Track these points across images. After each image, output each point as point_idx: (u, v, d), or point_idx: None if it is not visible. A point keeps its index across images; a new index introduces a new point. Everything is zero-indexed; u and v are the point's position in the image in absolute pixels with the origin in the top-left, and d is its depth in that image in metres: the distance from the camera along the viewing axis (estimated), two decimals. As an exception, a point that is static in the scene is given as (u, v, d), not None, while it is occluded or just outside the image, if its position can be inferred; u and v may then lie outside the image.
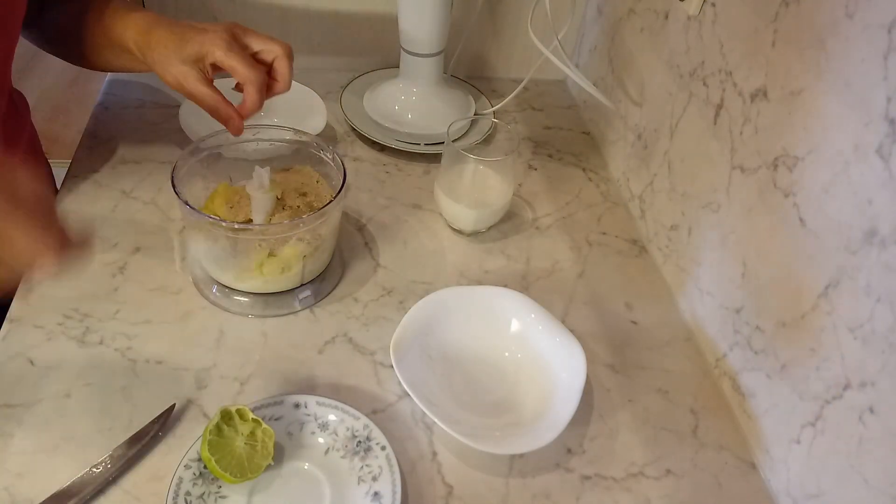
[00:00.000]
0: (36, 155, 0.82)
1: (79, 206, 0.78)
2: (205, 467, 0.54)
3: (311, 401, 0.60)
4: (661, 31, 0.81)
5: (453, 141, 0.78)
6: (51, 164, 0.86)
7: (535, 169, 0.94)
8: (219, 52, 0.64)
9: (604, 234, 0.85)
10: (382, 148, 0.93)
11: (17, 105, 0.77)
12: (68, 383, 0.62)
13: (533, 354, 0.67)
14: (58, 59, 0.77)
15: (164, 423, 0.59)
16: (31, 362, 0.63)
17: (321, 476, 0.57)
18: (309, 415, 0.60)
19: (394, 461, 0.57)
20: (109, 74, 0.99)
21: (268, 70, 0.68)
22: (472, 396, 0.65)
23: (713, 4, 0.70)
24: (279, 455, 0.58)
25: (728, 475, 0.62)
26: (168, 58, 0.66)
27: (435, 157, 0.91)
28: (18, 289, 0.68)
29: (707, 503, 0.60)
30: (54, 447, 0.57)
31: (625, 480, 0.61)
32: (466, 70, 1.08)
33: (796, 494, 0.58)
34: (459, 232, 0.82)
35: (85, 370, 0.63)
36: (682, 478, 0.62)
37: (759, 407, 0.63)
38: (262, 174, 0.68)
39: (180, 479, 0.54)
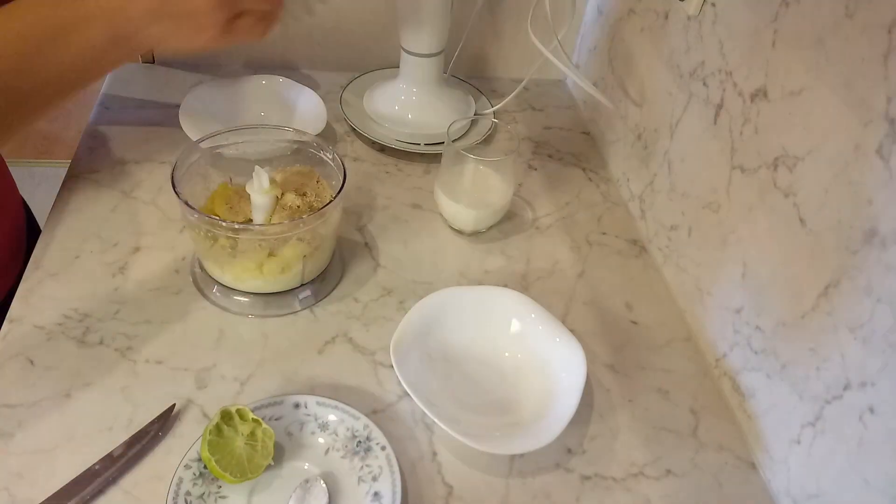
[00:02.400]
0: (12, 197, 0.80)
1: (79, 205, 0.78)
2: (205, 467, 0.54)
3: (311, 401, 0.60)
4: (661, 31, 0.81)
5: (453, 141, 0.78)
6: (51, 165, 0.86)
7: (535, 169, 0.94)
8: None
9: (604, 234, 0.85)
10: (382, 148, 0.93)
11: None
12: (68, 383, 0.62)
13: (533, 354, 0.67)
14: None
15: (164, 423, 0.59)
16: (31, 362, 0.63)
17: (321, 476, 0.57)
18: (309, 415, 0.60)
19: (394, 461, 0.57)
20: (109, 74, 0.99)
21: None
22: (472, 396, 0.65)
23: (713, 4, 0.70)
24: (279, 455, 0.58)
25: (728, 475, 0.62)
26: None
27: (435, 157, 0.91)
28: (18, 289, 0.68)
29: (707, 503, 0.60)
30: (54, 447, 0.57)
31: (625, 480, 0.61)
32: (466, 70, 1.08)
33: (796, 494, 0.58)
34: (459, 232, 0.82)
35: (85, 370, 0.63)
36: (682, 478, 0.62)
37: (759, 407, 0.63)
38: (262, 174, 0.68)
39: (180, 479, 0.54)
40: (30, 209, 0.85)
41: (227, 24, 0.54)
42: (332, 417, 0.60)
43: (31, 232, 0.81)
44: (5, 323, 0.65)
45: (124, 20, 0.51)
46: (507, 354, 0.68)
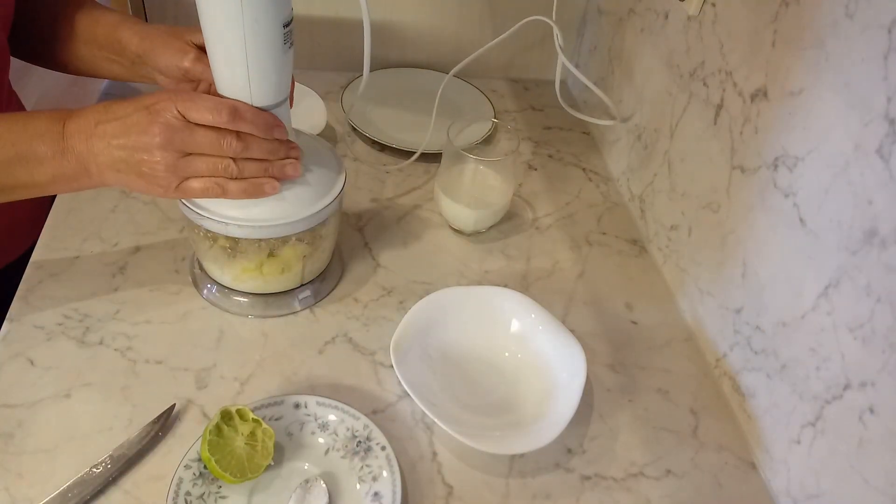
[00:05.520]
0: None
1: (79, 205, 0.78)
2: (205, 467, 0.54)
3: (311, 401, 0.60)
4: (661, 31, 0.81)
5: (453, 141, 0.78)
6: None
7: (535, 169, 0.94)
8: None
9: (604, 234, 0.85)
10: (382, 148, 0.93)
11: (14, 107, 0.77)
12: (68, 383, 0.61)
13: (533, 354, 0.67)
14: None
15: (164, 423, 0.59)
16: (31, 362, 0.63)
17: (321, 476, 0.57)
18: (309, 415, 0.60)
19: (394, 461, 0.57)
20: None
21: None
22: (472, 396, 0.65)
23: (713, 4, 0.70)
24: (279, 455, 0.58)
25: (728, 475, 0.62)
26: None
27: (435, 157, 0.91)
28: (18, 289, 0.68)
29: (707, 503, 0.60)
30: (54, 447, 0.57)
31: (625, 480, 0.61)
32: (467, 70, 1.07)
33: (796, 494, 0.58)
34: (459, 232, 0.82)
35: (85, 370, 0.63)
36: (682, 478, 0.62)
37: (759, 407, 0.63)
38: (262, 174, 0.67)
39: (180, 479, 0.54)
40: None
41: (179, 186, 0.58)
42: (332, 417, 0.60)
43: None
44: (5, 323, 0.65)
45: (90, 162, 0.56)
46: (507, 354, 0.68)
